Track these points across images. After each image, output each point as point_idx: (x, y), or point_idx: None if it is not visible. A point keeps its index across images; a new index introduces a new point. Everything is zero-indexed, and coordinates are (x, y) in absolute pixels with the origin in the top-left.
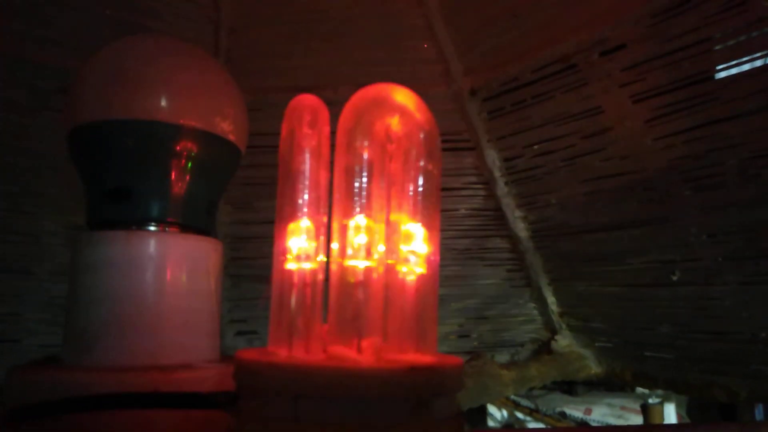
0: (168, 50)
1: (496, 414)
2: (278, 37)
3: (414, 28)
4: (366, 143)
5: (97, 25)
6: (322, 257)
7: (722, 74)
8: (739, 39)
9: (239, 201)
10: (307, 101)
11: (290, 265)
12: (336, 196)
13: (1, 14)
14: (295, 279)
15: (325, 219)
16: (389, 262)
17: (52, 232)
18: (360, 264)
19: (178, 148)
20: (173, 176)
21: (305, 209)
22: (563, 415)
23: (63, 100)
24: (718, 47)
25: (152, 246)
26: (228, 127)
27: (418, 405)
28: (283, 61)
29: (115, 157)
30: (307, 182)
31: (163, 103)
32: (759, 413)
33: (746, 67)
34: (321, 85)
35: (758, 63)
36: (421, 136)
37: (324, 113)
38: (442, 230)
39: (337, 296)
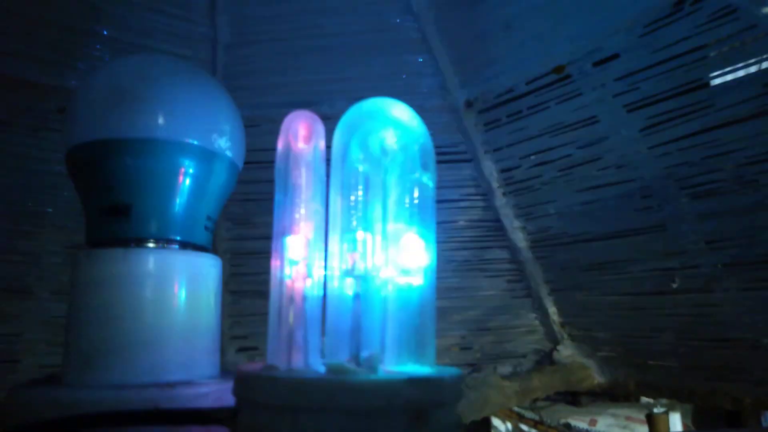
0: (165, 68)
1: (501, 426)
2: (275, 53)
3: (409, 41)
4: (361, 157)
5: (94, 45)
6: (319, 270)
7: (716, 81)
8: (732, 46)
9: (239, 217)
10: (303, 116)
11: (288, 279)
12: (332, 209)
13: None
14: (293, 293)
15: (321, 232)
16: (387, 274)
17: (52, 251)
18: (357, 276)
19: (175, 165)
20: (171, 193)
21: (302, 223)
22: (568, 426)
23: (61, 119)
24: (712, 54)
25: (151, 263)
26: (225, 144)
27: (416, 417)
28: (279, 77)
29: (113, 176)
30: (303, 196)
31: (161, 120)
32: (766, 420)
33: (741, 73)
34: (317, 100)
35: (753, 69)
36: (416, 148)
37: (319, 128)
38: (442, 242)
39: (335, 309)
